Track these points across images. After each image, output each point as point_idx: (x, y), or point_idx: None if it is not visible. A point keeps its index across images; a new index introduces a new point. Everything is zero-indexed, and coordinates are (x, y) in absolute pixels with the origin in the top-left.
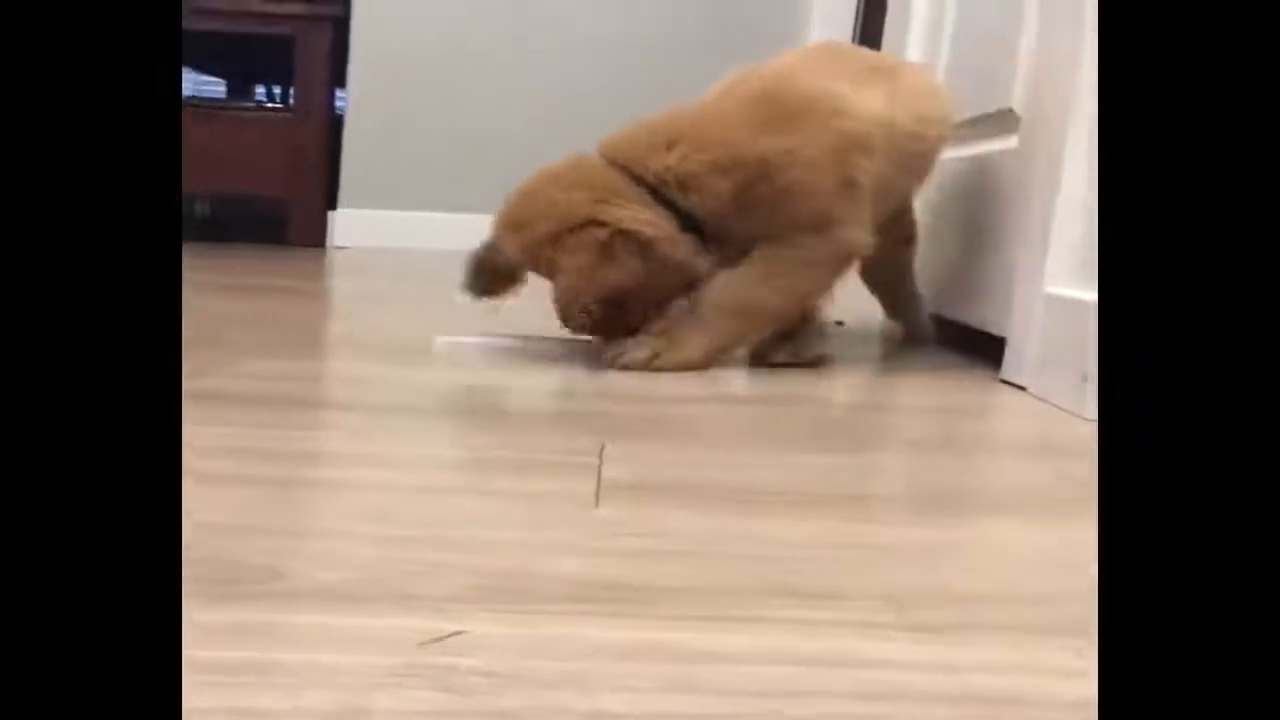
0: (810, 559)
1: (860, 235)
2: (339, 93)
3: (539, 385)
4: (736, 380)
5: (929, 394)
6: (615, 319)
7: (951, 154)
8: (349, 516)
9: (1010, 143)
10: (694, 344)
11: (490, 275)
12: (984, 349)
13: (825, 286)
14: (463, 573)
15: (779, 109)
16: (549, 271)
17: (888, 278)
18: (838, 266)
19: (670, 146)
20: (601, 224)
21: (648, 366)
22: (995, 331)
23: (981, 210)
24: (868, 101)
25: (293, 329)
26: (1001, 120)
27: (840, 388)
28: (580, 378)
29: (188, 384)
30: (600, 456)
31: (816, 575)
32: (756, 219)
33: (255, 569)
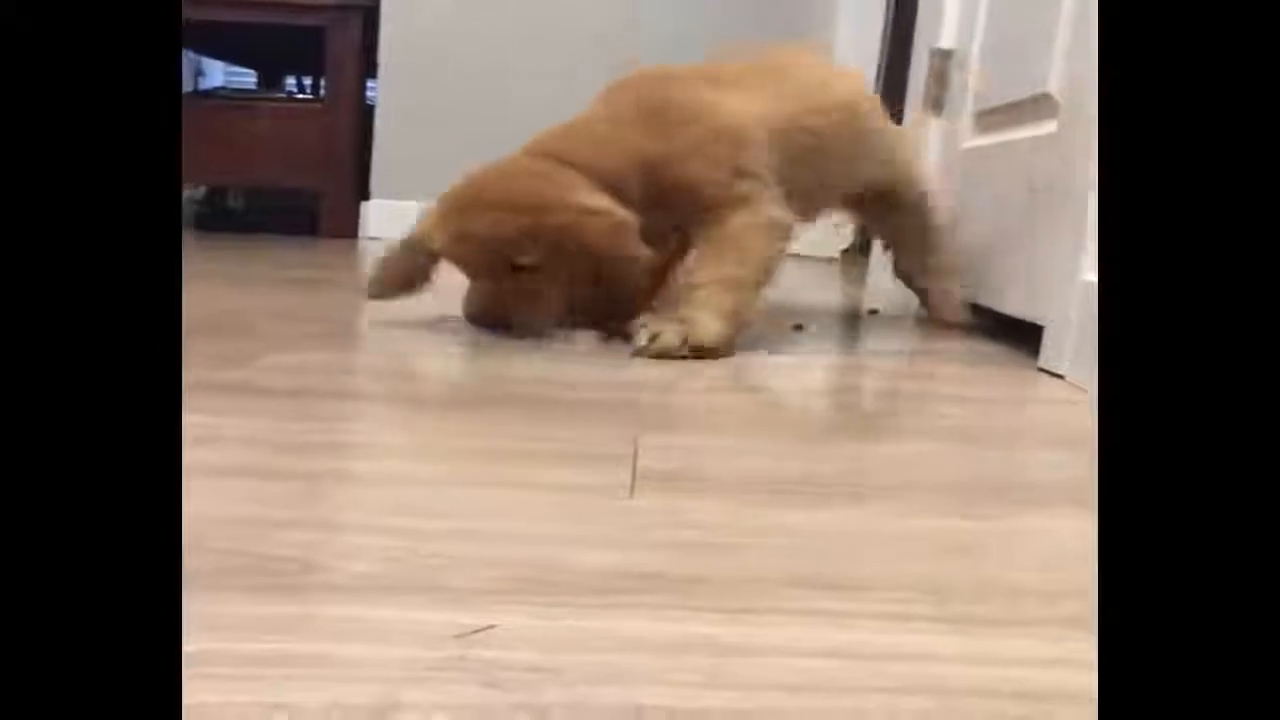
0: (847, 550)
1: (778, 212)
2: (370, 83)
3: (567, 376)
4: (768, 371)
5: (966, 383)
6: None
7: (987, 140)
8: (380, 510)
9: (1048, 128)
10: (709, 324)
11: (402, 275)
12: (1022, 337)
13: (779, 254)
14: (496, 565)
15: (655, 116)
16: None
17: (908, 269)
18: (774, 237)
19: (596, 150)
20: (598, 212)
21: (680, 352)
22: (1033, 319)
23: (1019, 197)
24: (742, 103)
25: (323, 321)
26: (1039, 106)
27: (875, 377)
28: (606, 367)
29: (219, 375)
30: (635, 447)
31: (853, 567)
32: (671, 212)
33: (288, 562)
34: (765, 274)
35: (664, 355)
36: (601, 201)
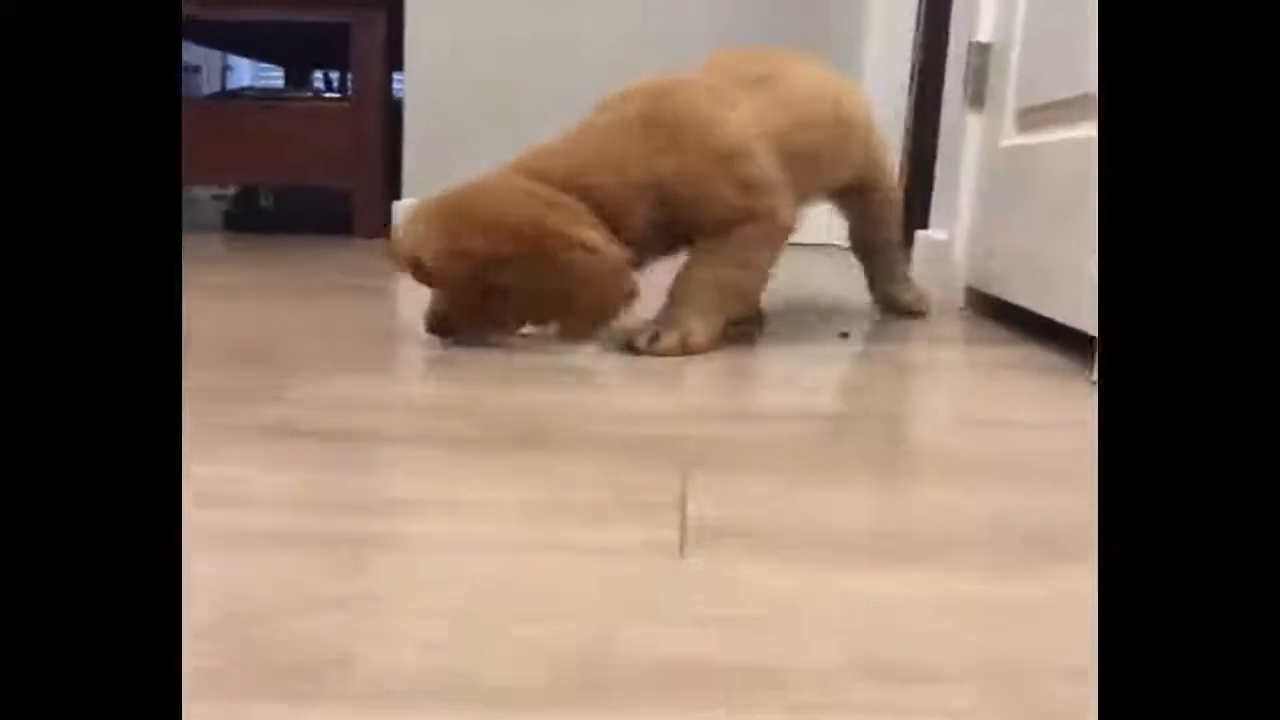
0: (908, 625)
1: (785, 215)
2: (397, 77)
3: (606, 406)
4: (813, 392)
5: (1023, 403)
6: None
7: (1029, 139)
8: (419, 584)
9: (1093, 129)
10: (700, 329)
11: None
12: (1072, 341)
13: (775, 261)
14: (544, 656)
15: (664, 133)
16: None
17: (868, 254)
18: (777, 243)
19: (600, 172)
20: (592, 249)
21: (675, 352)
22: (1085, 329)
23: (1063, 198)
24: (743, 117)
25: (356, 339)
26: (1083, 105)
27: (925, 396)
28: (642, 393)
29: (248, 415)
30: (683, 494)
31: (914, 646)
32: (684, 225)
33: (327, 658)
34: (762, 279)
35: (663, 354)
36: (598, 238)
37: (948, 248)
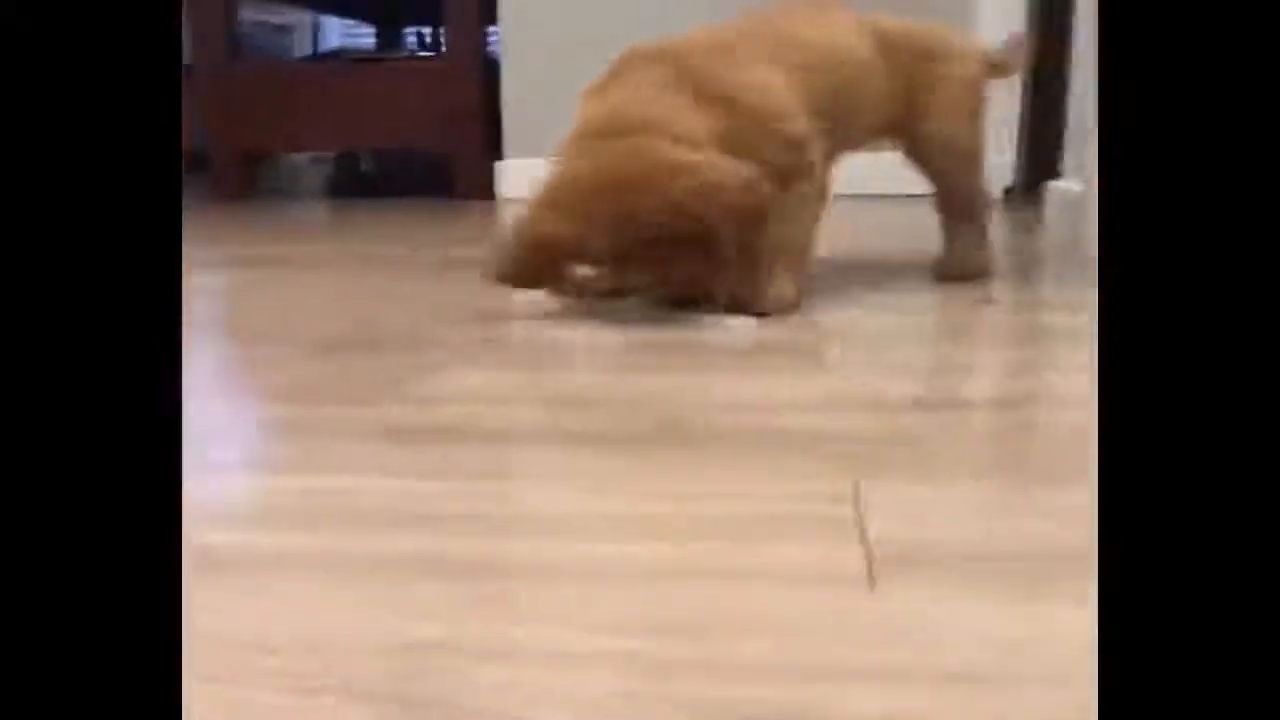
0: None
1: (821, 170)
2: (491, 30)
3: (755, 394)
4: (965, 375)
5: None
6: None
7: None
8: (572, 621)
9: None
10: (789, 289)
11: (538, 274)
12: None
13: (820, 216)
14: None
15: (704, 97)
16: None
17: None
18: (824, 198)
19: (673, 122)
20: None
21: (784, 306)
22: None
23: None
24: (769, 74)
25: (470, 319)
26: None
27: (1083, 381)
28: (789, 376)
29: (359, 414)
30: (857, 506)
31: None
32: None
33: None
34: (815, 238)
35: (771, 313)
36: (723, 161)
37: (1083, 201)
